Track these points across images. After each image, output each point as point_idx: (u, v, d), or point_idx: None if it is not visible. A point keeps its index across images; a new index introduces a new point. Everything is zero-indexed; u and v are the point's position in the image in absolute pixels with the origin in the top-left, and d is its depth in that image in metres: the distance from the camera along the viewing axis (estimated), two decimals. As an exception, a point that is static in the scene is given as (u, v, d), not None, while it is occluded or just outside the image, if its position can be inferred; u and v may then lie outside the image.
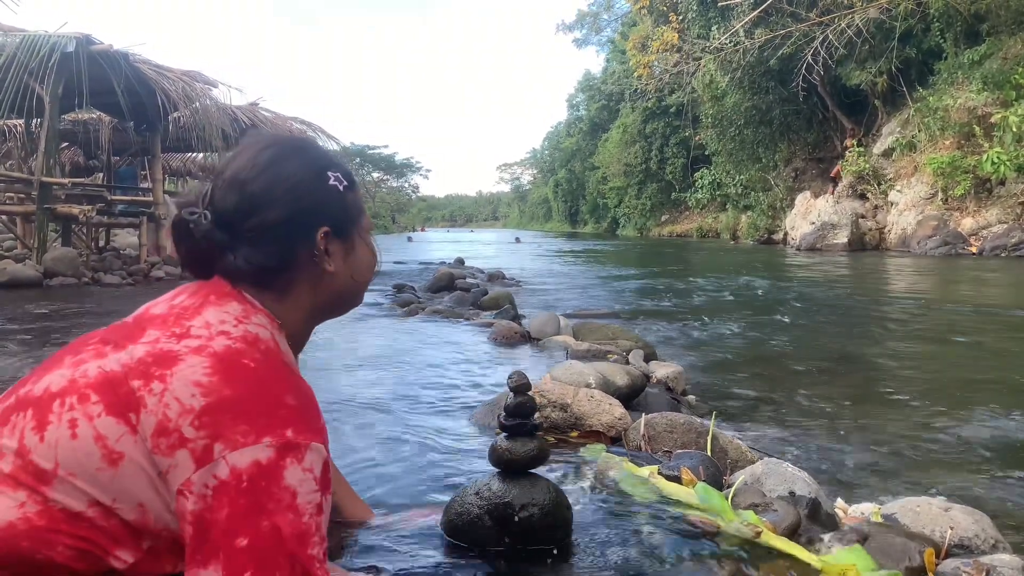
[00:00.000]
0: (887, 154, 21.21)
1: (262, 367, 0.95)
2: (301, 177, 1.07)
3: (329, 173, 1.09)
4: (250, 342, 0.98)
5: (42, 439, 0.90)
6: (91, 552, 0.90)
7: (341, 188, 1.09)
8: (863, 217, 21.00)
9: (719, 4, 23.59)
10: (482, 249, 25.59)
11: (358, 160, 57.07)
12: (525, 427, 1.45)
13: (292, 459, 0.89)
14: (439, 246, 29.36)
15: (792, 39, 21.22)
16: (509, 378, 1.46)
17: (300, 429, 0.91)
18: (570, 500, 1.52)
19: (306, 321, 1.11)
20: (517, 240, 36.29)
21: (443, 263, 14.06)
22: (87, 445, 0.89)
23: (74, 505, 0.89)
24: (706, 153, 33.18)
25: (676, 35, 25.52)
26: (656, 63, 27.79)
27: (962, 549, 1.59)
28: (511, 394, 1.45)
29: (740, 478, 1.85)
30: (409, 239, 39.29)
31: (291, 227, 1.04)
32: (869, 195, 21.42)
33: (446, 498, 1.59)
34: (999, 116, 16.04)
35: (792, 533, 1.58)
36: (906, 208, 19.31)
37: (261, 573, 0.86)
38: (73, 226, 11.76)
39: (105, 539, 0.90)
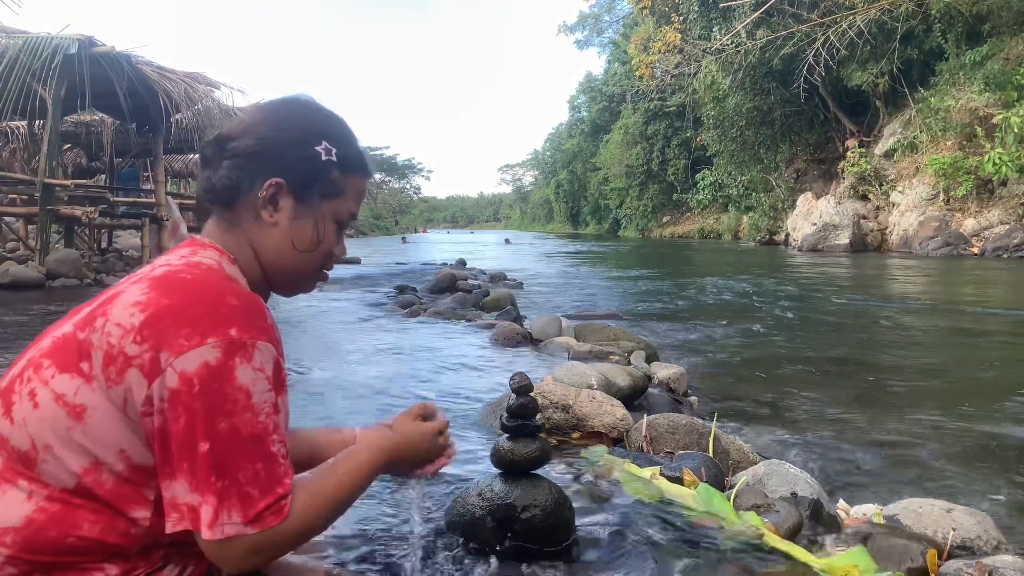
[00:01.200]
0: (888, 155, 21.20)
1: (200, 277, 0.95)
2: (290, 127, 1.06)
3: (324, 142, 1.06)
4: (190, 265, 0.97)
5: (12, 421, 0.89)
6: (113, 520, 0.89)
7: (324, 158, 1.06)
8: (864, 218, 20.99)
9: (720, 5, 23.60)
10: (475, 249, 25.61)
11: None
12: (527, 428, 1.45)
13: (240, 358, 0.87)
14: (436, 247, 29.37)
15: (793, 40, 21.21)
16: (511, 379, 1.46)
17: (244, 327, 0.89)
18: (572, 501, 1.52)
19: (256, 268, 1.07)
20: (507, 241, 36.43)
21: (445, 264, 14.07)
22: (50, 409, 0.88)
23: (68, 479, 0.88)
24: (707, 154, 33.17)
25: (678, 35, 25.50)
26: (658, 64, 27.79)
27: (964, 550, 1.59)
28: (513, 395, 1.45)
29: (742, 479, 1.85)
30: (403, 239, 39.24)
31: (251, 161, 1.03)
32: (870, 196, 21.42)
33: (449, 498, 1.59)
34: (1001, 117, 16.02)
35: (794, 534, 1.58)
36: (908, 209, 19.30)
37: (225, 476, 0.86)
38: (75, 227, 11.78)
39: (115, 501, 0.89)
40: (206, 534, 0.85)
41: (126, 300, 0.90)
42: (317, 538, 1.47)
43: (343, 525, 1.51)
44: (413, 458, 1.15)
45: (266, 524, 0.88)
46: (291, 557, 1.20)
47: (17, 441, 0.89)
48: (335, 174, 1.07)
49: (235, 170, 1.03)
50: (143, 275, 0.96)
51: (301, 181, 1.05)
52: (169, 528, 0.86)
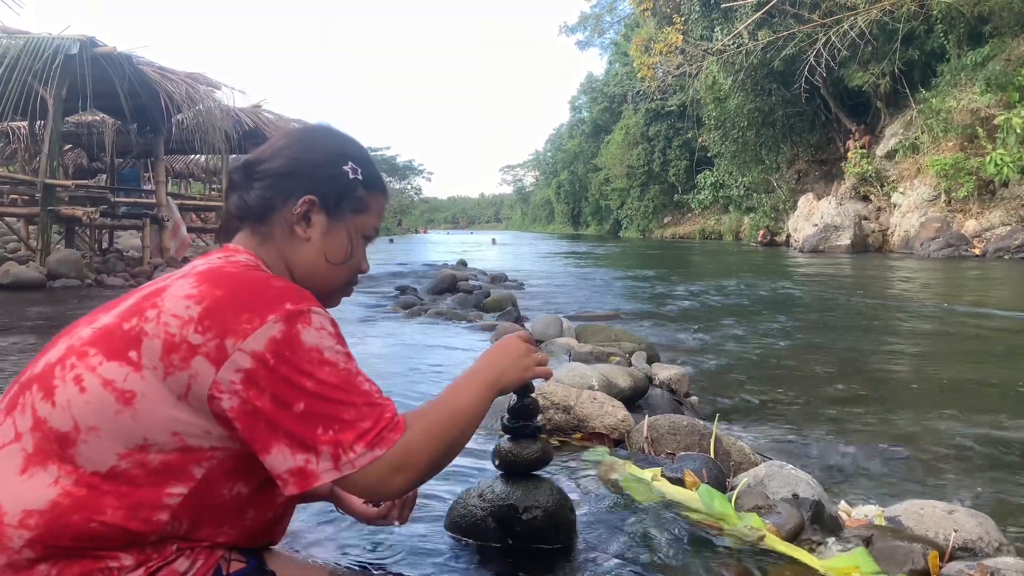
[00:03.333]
0: (890, 156, 21.19)
1: (242, 269, 1.02)
2: (319, 149, 1.14)
3: (350, 162, 1.14)
4: (230, 261, 1.04)
5: (54, 404, 0.92)
6: (141, 504, 0.91)
7: (352, 177, 1.13)
8: (866, 219, 20.98)
9: (722, 5, 23.60)
10: (466, 249, 25.68)
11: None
12: (528, 429, 1.45)
13: (301, 324, 0.94)
14: (429, 247, 29.39)
15: (795, 40, 21.20)
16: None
17: (295, 300, 0.96)
18: (573, 502, 1.52)
19: (286, 277, 1.13)
20: (493, 241, 36.54)
21: (446, 264, 14.07)
22: (98, 394, 0.91)
23: (105, 461, 0.90)
24: (709, 155, 33.16)
25: (680, 36, 25.50)
26: (660, 64, 27.77)
27: (966, 552, 1.58)
28: (514, 396, 1.45)
29: (743, 480, 1.85)
30: (390, 240, 39.15)
31: (284, 179, 1.10)
32: (872, 197, 21.41)
33: (450, 499, 1.59)
34: (1002, 118, 16.01)
35: (795, 536, 1.58)
36: (909, 210, 19.29)
37: (330, 424, 0.92)
38: (76, 228, 11.79)
39: (155, 478, 0.92)
40: (333, 475, 0.91)
41: (177, 293, 0.95)
42: (319, 538, 1.47)
43: (343, 525, 1.51)
44: (510, 359, 1.18)
45: (390, 441, 0.94)
46: (294, 557, 1.21)
47: (57, 423, 0.91)
48: (361, 191, 1.15)
49: (269, 189, 1.10)
50: (186, 272, 1.01)
51: (333, 198, 1.12)
52: (290, 491, 0.92)
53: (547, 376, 1.25)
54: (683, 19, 26.85)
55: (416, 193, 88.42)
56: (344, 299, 1.22)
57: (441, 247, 29.29)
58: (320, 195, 1.10)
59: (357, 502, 1.33)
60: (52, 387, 0.93)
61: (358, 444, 0.92)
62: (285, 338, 0.92)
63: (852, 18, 19.36)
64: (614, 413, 2.37)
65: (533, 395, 1.46)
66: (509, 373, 1.16)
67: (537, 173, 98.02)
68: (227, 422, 0.92)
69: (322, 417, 0.91)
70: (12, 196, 11.57)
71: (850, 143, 22.93)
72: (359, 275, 1.19)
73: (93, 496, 0.89)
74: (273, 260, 1.10)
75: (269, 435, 0.91)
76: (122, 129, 13.16)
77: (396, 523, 1.34)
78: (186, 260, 11.72)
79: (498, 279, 10.92)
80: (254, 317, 0.92)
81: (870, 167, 21.31)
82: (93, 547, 0.90)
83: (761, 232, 26.48)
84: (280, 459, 0.91)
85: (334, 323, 0.99)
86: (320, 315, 0.97)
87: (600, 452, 2.08)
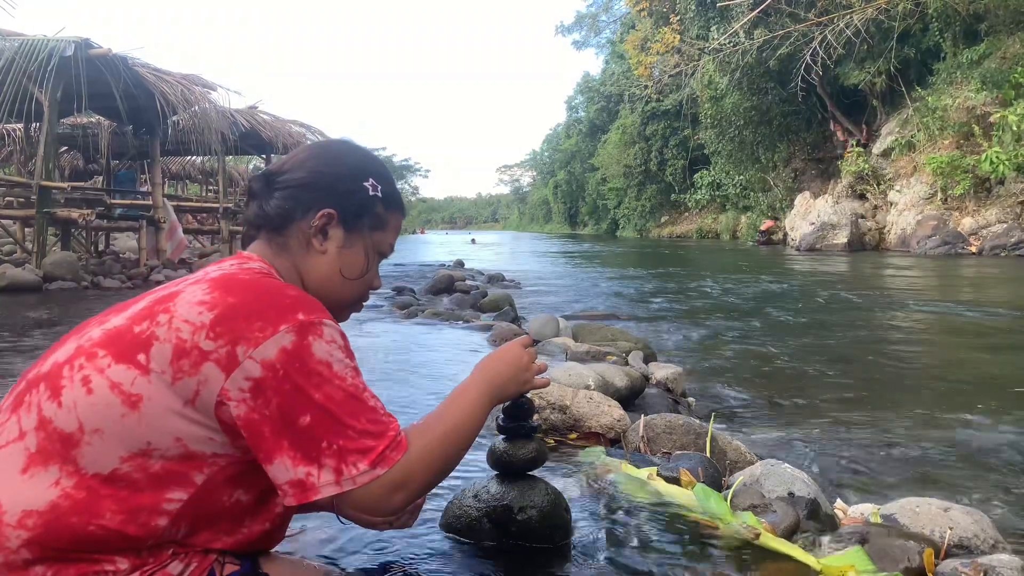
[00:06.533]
0: (886, 154, 21.22)
1: (256, 277, 1.01)
2: (341, 163, 1.15)
3: (371, 179, 1.14)
4: (243, 269, 1.04)
5: (60, 405, 0.91)
6: (139, 509, 0.91)
7: (372, 193, 1.14)
8: (862, 217, 21.01)
9: (718, 5, 23.63)
10: (453, 249, 25.76)
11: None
12: (523, 429, 1.44)
13: (313, 336, 0.94)
14: (425, 248, 29.38)
15: (791, 39, 21.22)
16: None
17: (308, 311, 0.96)
18: (569, 502, 1.52)
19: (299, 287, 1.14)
20: (472, 241, 36.62)
21: (443, 265, 14.07)
22: (105, 396, 0.91)
23: (107, 464, 0.90)
24: (705, 153, 33.18)
25: (677, 37, 25.53)
26: (656, 64, 27.81)
27: (961, 549, 1.59)
28: (509, 396, 1.45)
29: (739, 479, 1.85)
30: None
31: (304, 191, 1.11)
32: (868, 195, 21.44)
33: (444, 500, 1.59)
34: (998, 115, 16.05)
35: (791, 534, 1.58)
36: (905, 208, 19.32)
37: (334, 439, 0.92)
38: (72, 230, 11.76)
39: (156, 482, 0.92)
40: (333, 490, 0.91)
41: (190, 299, 0.95)
42: (314, 539, 1.47)
43: (337, 526, 1.50)
44: (511, 372, 1.19)
45: (392, 460, 0.94)
46: (289, 559, 1.20)
47: (62, 423, 0.90)
48: (380, 208, 1.16)
49: (288, 200, 1.11)
50: (199, 278, 1.01)
51: (352, 213, 1.12)
52: (290, 502, 0.92)
53: (544, 386, 1.26)
54: (679, 18, 26.88)
55: (413, 193, 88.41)
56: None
57: (434, 247, 29.27)
58: (339, 209, 1.11)
59: None
60: (59, 387, 0.93)
61: (361, 461, 0.92)
62: (296, 349, 0.92)
63: (848, 17, 19.41)
64: (610, 412, 2.37)
65: (528, 395, 1.46)
66: (508, 388, 1.18)
67: (534, 173, 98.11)
68: (233, 429, 0.92)
69: (327, 431, 0.92)
70: (8, 198, 11.54)
71: (846, 141, 22.97)
72: (371, 291, 1.20)
73: (92, 499, 0.89)
74: (287, 270, 1.10)
75: (273, 445, 0.91)
76: (118, 131, 13.13)
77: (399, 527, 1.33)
78: (183, 262, 11.72)
79: (495, 279, 10.91)
80: (266, 326, 0.92)
81: (866, 165, 21.34)
82: (90, 550, 0.89)
83: (766, 224, 26.29)
84: (282, 470, 0.91)
85: (344, 336, 0.99)
86: (331, 327, 0.97)
87: (596, 452, 2.07)
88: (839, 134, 24.27)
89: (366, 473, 0.92)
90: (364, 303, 1.22)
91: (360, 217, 1.13)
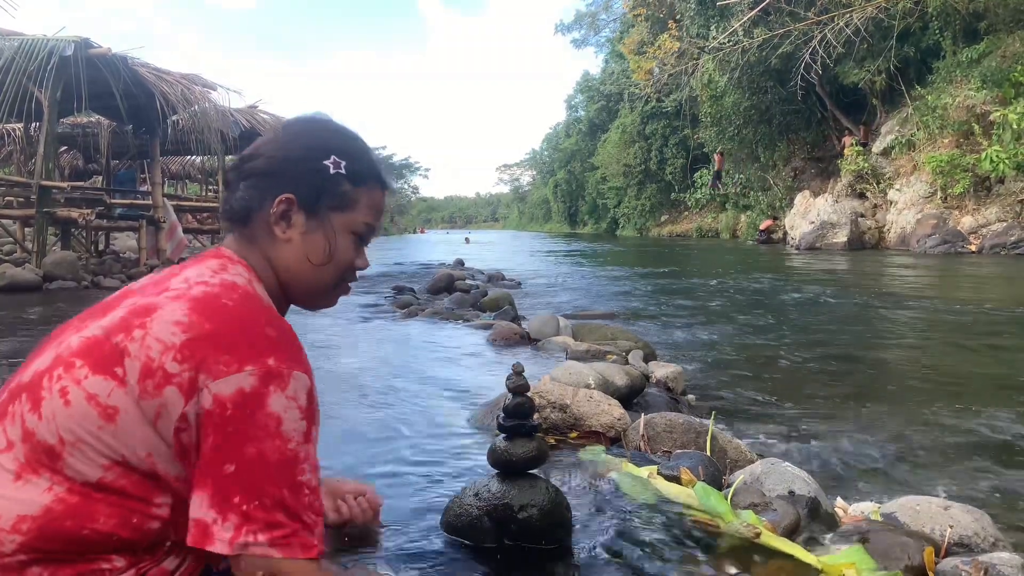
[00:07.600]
0: (886, 153, 21.21)
1: (240, 305, 0.97)
2: (298, 144, 1.09)
3: (332, 156, 1.08)
4: (227, 287, 0.99)
5: (40, 417, 0.91)
6: (132, 513, 0.91)
7: (333, 171, 1.08)
8: (862, 216, 20.98)
9: (718, 4, 23.61)
10: (448, 248, 25.80)
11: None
12: (524, 428, 1.45)
13: (275, 387, 0.90)
14: (422, 247, 29.41)
15: (791, 38, 21.20)
16: (507, 379, 1.46)
17: (282, 358, 0.92)
18: (569, 501, 1.52)
19: (274, 283, 1.09)
20: (467, 240, 36.63)
21: (443, 264, 14.06)
22: (81, 408, 0.90)
23: (91, 473, 0.89)
24: (705, 151, 33.15)
25: (676, 44, 25.54)
26: (656, 68, 27.81)
27: (962, 547, 1.59)
28: (510, 395, 1.45)
29: (739, 478, 1.85)
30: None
31: (263, 179, 1.07)
32: (868, 194, 21.42)
33: (445, 499, 1.59)
34: (998, 114, 16.03)
35: (792, 533, 1.58)
36: (905, 207, 19.31)
37: (248, 498, 0.87)
38: (72, 230, 11.76)
39: (140, 491, 0.91)
40: (223, 548, 0.87)
41: (167, 318, 0.92)
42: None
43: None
44: None
45: (292, 552, 0.89)
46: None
47: (43, 435, 0.90)
48: (345, 187, 1.09)
49: (250, 189, 1.08)
50: (181, 293, 0.97)
51: (310, 195, 1.07)
52: (188, 541, 0.88)
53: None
54: (678, 18, 26.87)
55: (413, 192, 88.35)
56: (342, 297, 1.18)
57: (434, 247, 29.28)
58: (298, 193, 1.06)
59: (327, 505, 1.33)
60: (39, 398, 0.92)
61: (261, 533, 0.87)
62: (252, 394, 0.88)
63: (848, 15, 19.37)
64: (610, 411, 2.37)
65: (528, 394, 1.46)
66: None
67: (534, 172, 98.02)
68: (185, 456, 0.91)
69: (243, 488, 0.87)
70: (8, 198, 11.54)
71: (846, 140, 22.96)
72: (358, 272, 1.15)
73: (86, 504, 0.89)
74: (259, 264, 1.08)
75: (199, 478, 0.89)
76: (118, 130, 13.14)
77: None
78: (182, 261, 11.68)
79: (495, 278, 10.91)
80: (232, 361, 0.89)
81: (866, 164, 21.32)
82: (85, 551, 0.90)
83: (766, 223, 26.25)
84: (196, 504, 0.88)
85: (311, 396, 0.94)
86: (299, 382, 0.92)
87: (596, 450, 2.07)
88: (835, 141, 24.31)
89: (260, 547, 0.87)
90: (351, 284, 1.17)
91: (319, 198, 1.07)
